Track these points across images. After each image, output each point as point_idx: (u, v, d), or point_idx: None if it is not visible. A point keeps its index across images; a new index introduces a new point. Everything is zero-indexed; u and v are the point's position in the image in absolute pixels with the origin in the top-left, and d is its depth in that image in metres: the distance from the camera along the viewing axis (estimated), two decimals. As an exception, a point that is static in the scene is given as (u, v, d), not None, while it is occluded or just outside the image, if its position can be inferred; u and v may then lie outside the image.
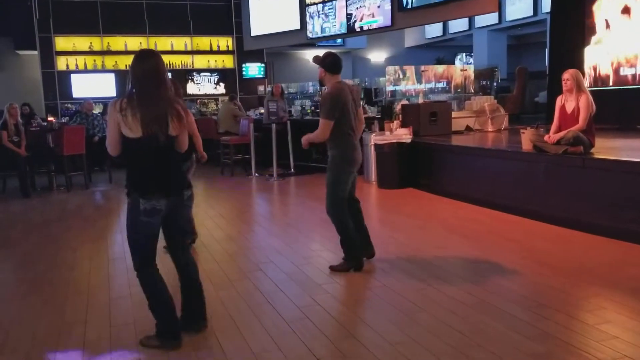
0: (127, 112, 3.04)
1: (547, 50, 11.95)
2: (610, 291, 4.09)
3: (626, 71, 9.52)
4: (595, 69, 10.10)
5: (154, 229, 3.22)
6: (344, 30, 12.67)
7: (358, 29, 12.11)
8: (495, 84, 13.94)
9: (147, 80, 3.11)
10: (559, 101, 6.12)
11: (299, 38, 14.03)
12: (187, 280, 3.40)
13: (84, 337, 3.50)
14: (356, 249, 4.68)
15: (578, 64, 9.64)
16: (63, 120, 11.44)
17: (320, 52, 4.83)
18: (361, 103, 4.86)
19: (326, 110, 4.45)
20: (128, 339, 3.46)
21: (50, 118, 11.20)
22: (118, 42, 14.72)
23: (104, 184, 10.02)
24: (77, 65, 14.43)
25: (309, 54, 18.13)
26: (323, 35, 13.41)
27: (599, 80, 10.03)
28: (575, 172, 5.76)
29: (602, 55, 9.97)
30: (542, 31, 14.56)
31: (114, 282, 4.62)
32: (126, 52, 14.65)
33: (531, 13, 14.83)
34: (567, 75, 5.93)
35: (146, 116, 3.06)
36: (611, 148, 6.56)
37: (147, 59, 3.15)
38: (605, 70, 9.93)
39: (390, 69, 10.93)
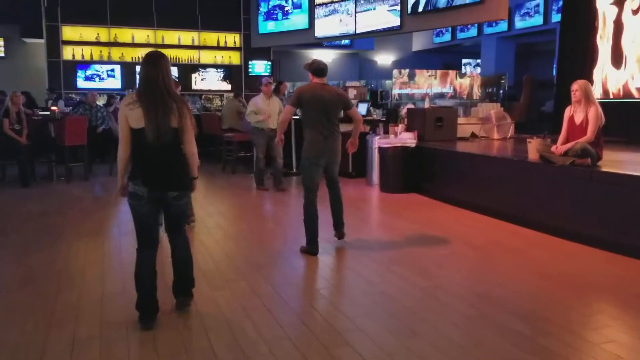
0: (134, 106, 3.36)
1: (555, 59, 11.84)
2: (615, 309, 4.00)
3: (634, 84, 9.41)
4: (603, 81, 10.00)
5: (141, 214, 3.47)
6: (351, 31, 12.60)
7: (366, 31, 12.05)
8: (502, 91, 13.84)
9: (149, 83, 3.42)
10: (567, 112, 6.02)
11: (307, 37, 13.98)
12: (174, 258, 3.78)
13: (73, 335, 3.41)
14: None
15: (587, 75, 9.53)
16: (66, 110, 11.36)
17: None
18: (351, 104, 5.37)
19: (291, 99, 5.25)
20: (118, 338, 3.38)
21: (53, 108, 11.12)
22: (125, 34, 14.67)
23: (104, 176, 9.95)
24: (82, 56, 14.37)
25: (316, 54, 18.06)
26: (330, 35, 13.34)
27: (606, 92, 9.93)
28: (582, 185, 5.66)
29: (610, 68, 9.86)
30: (551, 40, 14.47)
31: (108, 277, 4.54)
32: (133, 45, 14.62)
33: (541, 22, 14.75)
34: (576, 86, 5.84)
35: (149, 109, 3.34)
36: (619, 161, 6.46)
37: (149, 66, 3.43)
38: (613, 82, 9.83)
39: (397, 72, 10.84)
